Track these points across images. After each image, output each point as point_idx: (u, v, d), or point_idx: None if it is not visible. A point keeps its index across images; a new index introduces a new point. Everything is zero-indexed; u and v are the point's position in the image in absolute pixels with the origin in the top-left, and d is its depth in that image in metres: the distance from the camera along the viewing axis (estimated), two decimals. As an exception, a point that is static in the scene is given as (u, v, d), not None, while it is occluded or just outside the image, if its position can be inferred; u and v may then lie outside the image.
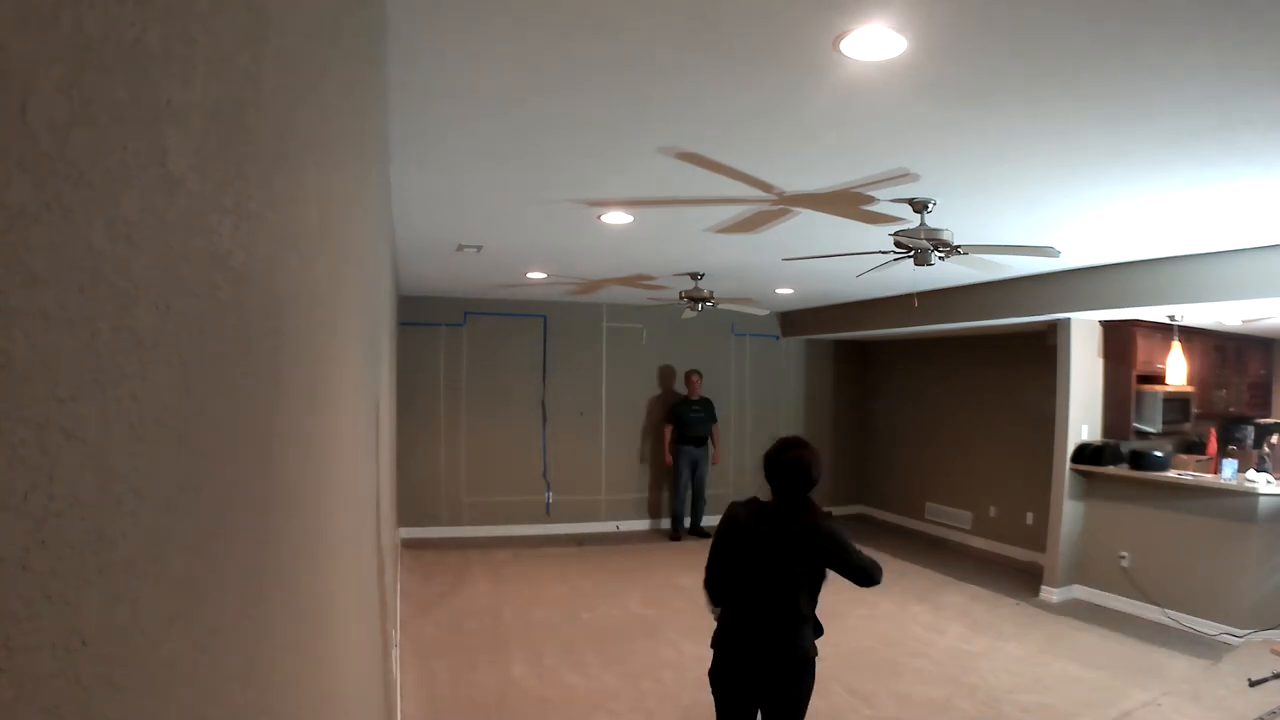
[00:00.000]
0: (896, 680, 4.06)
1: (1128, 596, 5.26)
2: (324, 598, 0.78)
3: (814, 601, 2.37)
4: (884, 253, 3.68)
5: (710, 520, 7.61)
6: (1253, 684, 3.67)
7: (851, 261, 4.19)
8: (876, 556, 2.44)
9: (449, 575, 6.00)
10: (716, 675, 2.42)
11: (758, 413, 8.60)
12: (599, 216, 3.82)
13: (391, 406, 3.89)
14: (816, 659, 2.36)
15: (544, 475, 7.72)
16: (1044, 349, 5.94)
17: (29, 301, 0.22)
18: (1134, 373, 5.64)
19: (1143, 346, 5.65)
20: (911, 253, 3.49)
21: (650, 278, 5.91)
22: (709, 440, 7.81)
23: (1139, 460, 5.28)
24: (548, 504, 7.72)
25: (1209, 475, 5.08)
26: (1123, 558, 5.30)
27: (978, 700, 3.81)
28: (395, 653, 3.49)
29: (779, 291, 6.70)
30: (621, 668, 4.19)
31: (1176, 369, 5.49)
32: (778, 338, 8.71)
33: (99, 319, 0.26)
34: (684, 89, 2.17)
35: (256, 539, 0.47)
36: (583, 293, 6.91)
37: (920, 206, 3.33)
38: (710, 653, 2.45)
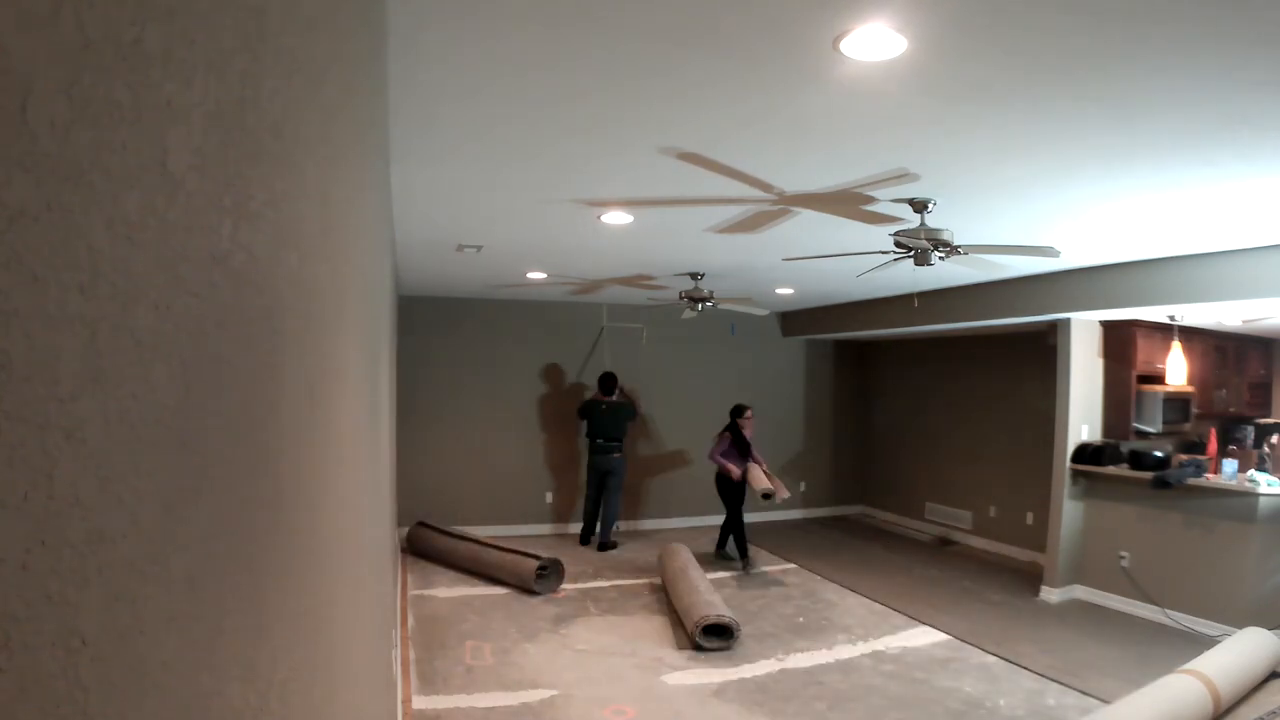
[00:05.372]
0: (893, 685, 4.06)
1: (1128, 596, 5.26)
2: (324, 597, 0.78)
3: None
4: (884, 253, 3.68)
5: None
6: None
7: (851, 261, 4.19)
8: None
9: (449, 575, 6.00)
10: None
11: (757, 413, 8.56)
12: (599, 216, 3.82)
13: (391, 406, 3.89)
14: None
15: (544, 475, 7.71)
16: (1044, 349, 5.94)
17: (29, 301, 0.22)
18: (1134, 373, 5.63)
19: (1143, 346, 5.65)
20: (911, 253, 3.48)
21: (650, 278, 5.91)
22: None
23: (1139, 460, 5.27)
24: (548, 504, 7.71)
25: (1209, 475, 5.08)
26: (1123, 558, 5.30)
27: (975, 699, 3.81)
28: (395, 653, 3.49)
29: (779, 291, 6.69)
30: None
31: (1176, 369, 5.48)
32: (778, 338, 8.70)
33: (99, 319, 0.26)
34: (684, 89, 2.17)
35: (257, 539, 0.47)
36: (583, 293, 6.91)
37: (920, 206, 3.33)
38: None
